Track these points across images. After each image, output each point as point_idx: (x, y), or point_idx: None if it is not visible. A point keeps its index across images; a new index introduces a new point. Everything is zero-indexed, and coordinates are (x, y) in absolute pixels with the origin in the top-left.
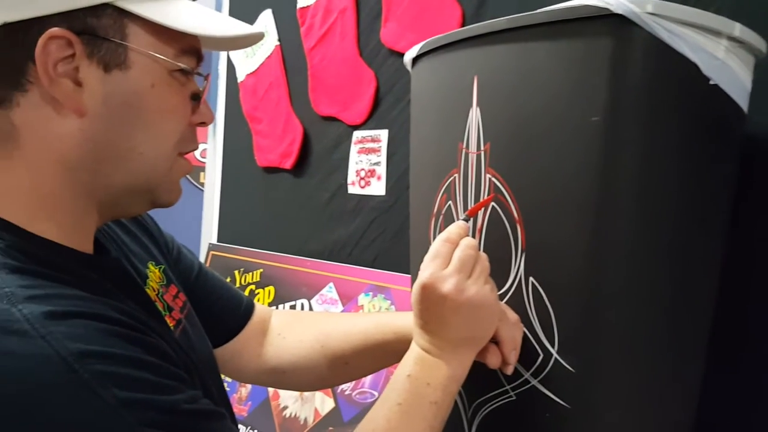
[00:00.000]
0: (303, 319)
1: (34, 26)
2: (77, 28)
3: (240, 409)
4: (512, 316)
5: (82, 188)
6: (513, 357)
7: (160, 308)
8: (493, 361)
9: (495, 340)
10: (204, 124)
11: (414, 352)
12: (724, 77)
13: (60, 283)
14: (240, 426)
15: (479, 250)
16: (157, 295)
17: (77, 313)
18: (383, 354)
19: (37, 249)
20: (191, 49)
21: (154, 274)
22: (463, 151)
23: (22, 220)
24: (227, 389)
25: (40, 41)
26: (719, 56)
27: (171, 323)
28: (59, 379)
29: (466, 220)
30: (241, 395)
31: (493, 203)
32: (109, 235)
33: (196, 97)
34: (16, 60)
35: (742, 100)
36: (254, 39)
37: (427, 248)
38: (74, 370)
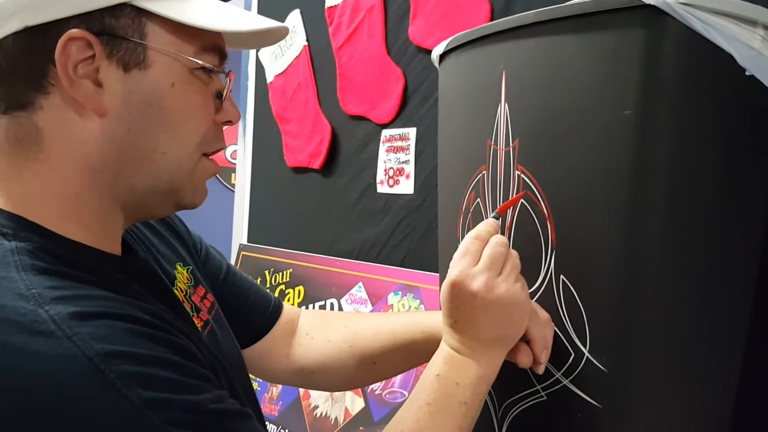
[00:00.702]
0: (331, 319)
1: (53, 29)
2: (96, 29)
3: (271, 409)
4: (543, 314)
5: (106, 190)
6: (544, 356)
7: (188, 309)
8: (524, 360)
9: (525, 339)
10: (230, 122)
11: (443, 351)
12: (760, 68)
13: (87, 284)
14: (271, 425)
15: (509, 247)
16: (185, 296)
17: (103, 314)
18: (412, 354)
19: (65, 250)
20: (213, 46)
21: (182, 275)
22: (492, 147)
23: (50, 222)
24: (258, 389)
25: (60, 43)
26: (755, 46)
27: (199, 324)
28: (85, 379)
29: (496, 217)
30: (272, 395)
31: (521, 200)
32: (137, 237)
33: (220, 96)
34: (36, 63)
35: None
36: (278, 35)
37: (456, 246)
38: (100, 371)
